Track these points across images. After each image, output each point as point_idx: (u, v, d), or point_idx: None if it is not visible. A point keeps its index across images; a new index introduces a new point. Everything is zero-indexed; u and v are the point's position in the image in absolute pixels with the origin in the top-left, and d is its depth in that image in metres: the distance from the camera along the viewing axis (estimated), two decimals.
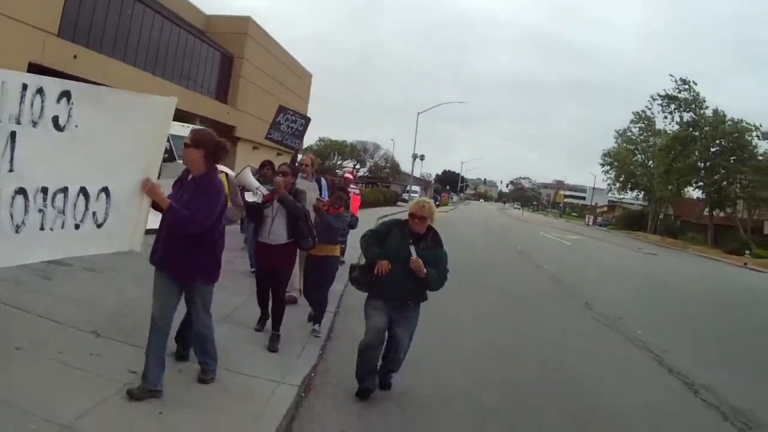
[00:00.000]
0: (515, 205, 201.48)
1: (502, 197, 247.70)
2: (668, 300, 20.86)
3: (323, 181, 13.39)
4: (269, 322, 8.70)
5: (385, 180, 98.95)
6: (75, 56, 28.28)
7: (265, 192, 8.20)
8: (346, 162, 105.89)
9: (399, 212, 49.37)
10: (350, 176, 21.16)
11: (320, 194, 11.84)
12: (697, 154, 70.56)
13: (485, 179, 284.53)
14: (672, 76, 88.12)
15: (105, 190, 5.24)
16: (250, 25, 47.93)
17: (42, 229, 4.81)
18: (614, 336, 12.94)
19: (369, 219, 26.82)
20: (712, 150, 70.68)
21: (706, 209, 75.90)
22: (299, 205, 8.18)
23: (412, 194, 78.86)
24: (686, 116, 75.91)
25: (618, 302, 17.59)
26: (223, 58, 45.85)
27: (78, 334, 7.29)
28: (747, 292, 28.61)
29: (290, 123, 15.62)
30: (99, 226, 5.27)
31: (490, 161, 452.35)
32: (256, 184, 8.33)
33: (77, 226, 5.10)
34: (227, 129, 44.03)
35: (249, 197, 8.32)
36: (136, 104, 5.47)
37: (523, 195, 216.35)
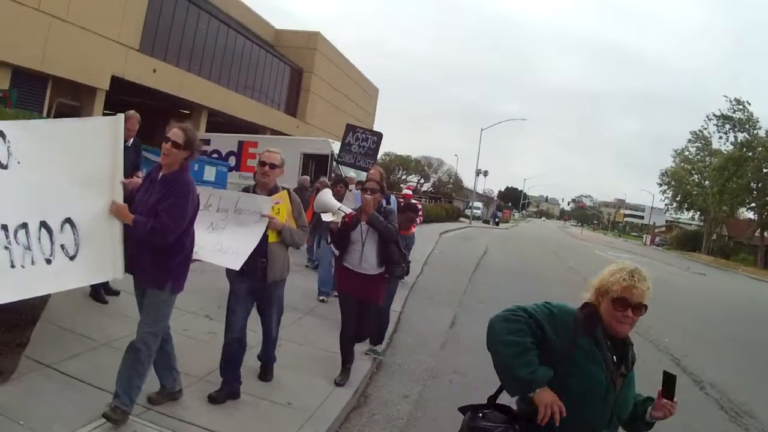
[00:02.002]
0: (575, 224, 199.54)
1: (563, 215, 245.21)
2: (701, 313, 21.93)
3: (392, 198, 12.11)
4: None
5: (448, 196, 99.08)
6: (154, 70, 30.17)
7: (348, 211, 7.37)
8: (410, 177, 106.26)
9: (460, 228, 50.34)
10: (409, 191, 21.88)
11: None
12: (750, 174, 70.08)
13: (547, 197, 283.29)
14: (726, 96, 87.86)
15: (68, 221, 5.09)
16: (320, 39, 49.21)
17: (12, 266, 4.66)
18: (641, 340, 14.13)
19: (430, 234, 27.95)
20: (765, 171, 70.33)
21: (758, 230, 75.62)
22: (391, 226, 7.13)
23: (474, 210, 79.42)
24: (740, 136, 75.54)
25: (652, 314, 18.53)
26: (292, 71, 47.25)
27: (195, 317, 8.88)
28: None
29: (361, 142, 14.91)
30: (72, 258, 5.11)
31: (553, 179, 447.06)
32: (338, 204, 7.59)
33: (48, 261, 4.94)
34: None
35: (327, 217, 7.65)
36: (80, 130, 5.37)
37: (585, 213, 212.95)
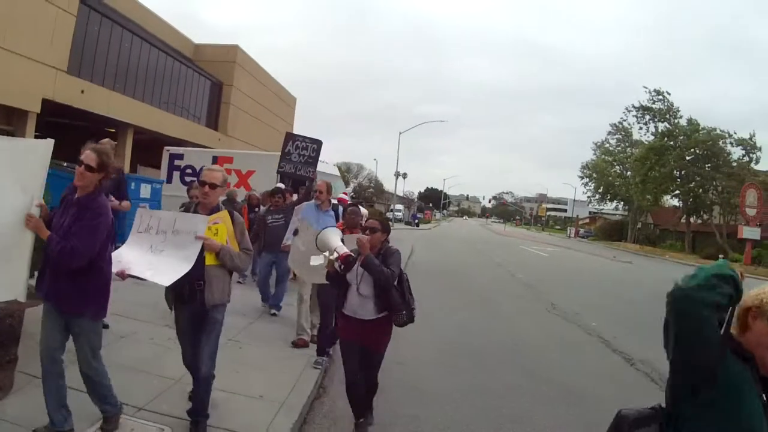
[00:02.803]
0: (498, 221, 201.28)
1: (485, 213, 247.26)
2: (627, 299, 22.78)
3: (340, 209, 11.18)
4: None
5: (369, 200, 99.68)
6: (82, 91, 30.17)
7: (343, 252, 6.37)
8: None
9: None
10: (345, 196, 22.02)
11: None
12: (672, 162, 71.87)
13: (468, 195, 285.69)
14: (646, 87, 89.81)
15: None
16: (238, 52, 49.56)
17: None
18: (572, 326, 15.03)
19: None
20: (687, 158, 72.08)
21: (684, 217, 77.54)
22: (387, 270, 6.32)
23: (396, 213, 79.96)
24: (661, 126, 77.50)
25: (581, 302, 19.51)
26: (212, 85, 47.50)
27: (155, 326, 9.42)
28: None
29: (301, 150, 14.64)
30: None
31: (473, 177, 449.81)
32: (337, 244, 6.55)
33: None
34: None
35: (315, 261, 6.78)
36: (7, 149, 5.19)
37: (506, 210, 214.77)
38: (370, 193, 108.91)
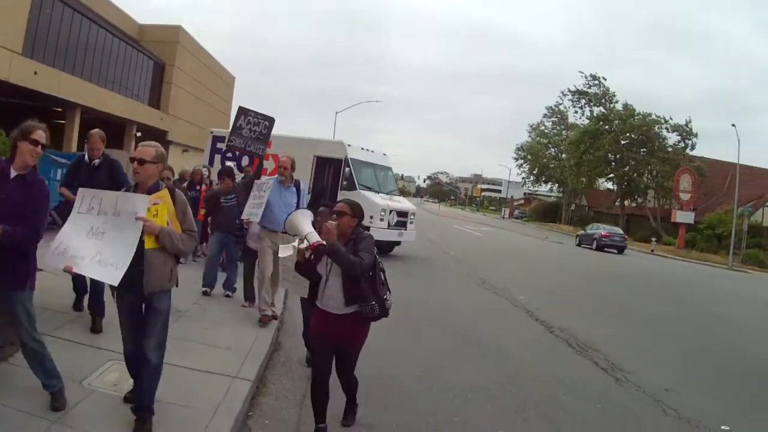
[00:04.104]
0: (432, 200, 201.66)
1: (420, 192, 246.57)
2: (555, 276, 24.68)
3: (302, 186, 10.72)
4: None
5: None
6: (35, 72, 30.78)
7: (314, 240, 5.87)
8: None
9: None
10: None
11: (298, 203, 10.07)
12: (607, 146, 73.20)
13: (403, 175, 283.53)
14: (582, 72, 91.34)
15: None
16: (181, 33, 49.92)
17: None
18: (500, 300, 16.36)
19: None
20: (622, 143, 73.57)
21: (618, 200, 79.25)
22: (356, 258, 5.81)
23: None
24: (596, 110, 79.05)
25: (509, 278, 21.00)
26: (155, 65, 47.86)
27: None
28: (634, 270, 32.80)
29: (252, 126, 14.17)
30: None
31: (409, 157, 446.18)
32: (308, 229, 6.03)
33: None
34: (160, 134, 46.38)
35: (284, 252, 6.54)
36: None
37: (441, 190, 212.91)
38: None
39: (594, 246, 47.58)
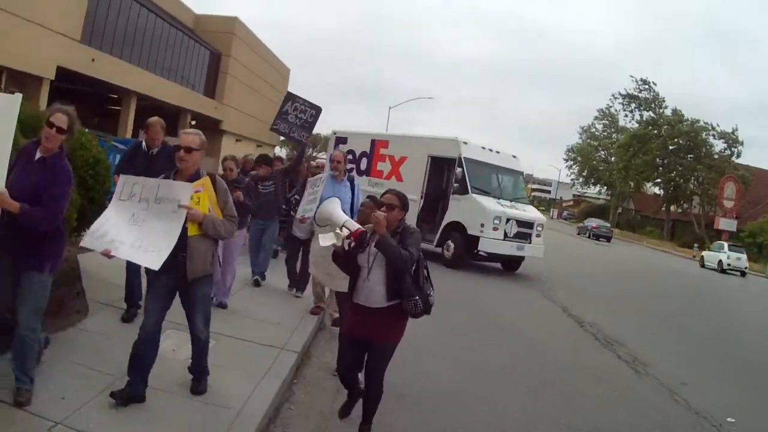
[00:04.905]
0: None
1: None
2: (594, 274, 25.52)
3: (356, 182, 10.68)
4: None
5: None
6: (93, 59, 31.57)
7: (354, 228, 5.86)
8: (321, 154, 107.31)
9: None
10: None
11: (353, 200, 9.96)
12: (655, 151, 73.27)
13: None
14: (633, 76, 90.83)
15: None
16: (237, 24, 50.46)
17: None
18: (537, 293, 17.41)
19: None
20: (670, 148, 73.51)
21: (664, 205, 79.17)
22: (405, 252, 5.49)
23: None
24: (645, 115, 79.03)
25: (552, 274, 21.95)
26: (211, 55, 48.51)
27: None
28: (670, 274, 33.59)
29: (299, 113, 13.53)
30: None
31: None
32: (344, 218, 6.13)
33: None
34: (214, 123, 47.34)
35: (324, 241, 5.93)
36: None
37: None
38: None
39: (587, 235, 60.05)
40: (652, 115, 78.17)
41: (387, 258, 5.52)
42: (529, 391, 8.34)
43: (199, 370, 6.03)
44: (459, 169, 20.02)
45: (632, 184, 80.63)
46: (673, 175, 73.84)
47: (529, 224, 20.46)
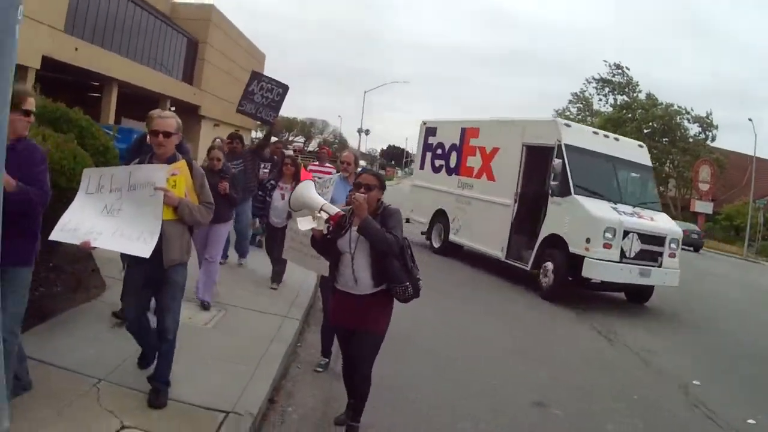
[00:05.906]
0: None
1: None
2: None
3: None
4: None
5: (333, 156, 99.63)
6: (76, 49, 32.00)
7: (333, 212, 5.52)
8: (297, 138, 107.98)
9: None
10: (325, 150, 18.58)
11: None
12: (630, 135, 71.58)
13: None
14: (606, 61, 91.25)
15: None
16: (213, 11, 50.99)
17: None
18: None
19: None
20: (645, 131, 73.05)
21: None
22: (390, 235, 5.26)
23: (359, 169, 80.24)
24: (620, 99, 79.39)
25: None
26: (188, 42, 48.91)
27: None
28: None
29: (265, 92, 13.16)
30: None
31: None
32: (321, 201, 5.66)
33: None
34: (193, 108, 47.81)
35: (304, 224, 5.77)
36: None
37: None
38: (334, 148, 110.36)
39: None
40: (626, 99, 78.37)
41: (371, 242, 5.29)
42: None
43: (161, 378, 5.52)
44: (558, 161, 14.68)
45: None
46: None
47: (658, 240, 14.50)
